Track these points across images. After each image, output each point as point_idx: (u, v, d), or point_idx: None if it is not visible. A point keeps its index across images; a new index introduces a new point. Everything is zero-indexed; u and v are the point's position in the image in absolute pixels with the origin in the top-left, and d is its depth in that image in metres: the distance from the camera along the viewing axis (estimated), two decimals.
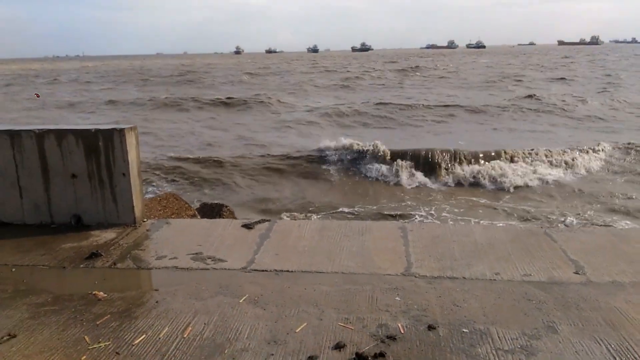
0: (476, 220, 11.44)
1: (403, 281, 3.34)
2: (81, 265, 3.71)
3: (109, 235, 4.28)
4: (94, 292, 3.25)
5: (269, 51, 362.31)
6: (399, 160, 15.61)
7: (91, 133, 4.30)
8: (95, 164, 4.35)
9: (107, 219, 4.47)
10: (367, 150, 16.71)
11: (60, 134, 4.33)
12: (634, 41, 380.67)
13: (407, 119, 25.34)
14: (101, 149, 4.31)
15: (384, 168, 15.53)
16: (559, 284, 3.28)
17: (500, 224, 9.55)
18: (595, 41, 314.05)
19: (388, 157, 16.06)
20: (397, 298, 3.10)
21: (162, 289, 3.31)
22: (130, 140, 4.35)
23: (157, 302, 3.12)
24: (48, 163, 4.38)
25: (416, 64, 76.60)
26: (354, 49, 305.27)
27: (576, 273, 3.42)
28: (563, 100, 29.26)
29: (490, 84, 42.61)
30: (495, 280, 3.35)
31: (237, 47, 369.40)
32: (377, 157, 16.25)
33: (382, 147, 16.58)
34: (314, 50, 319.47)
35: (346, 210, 12.44)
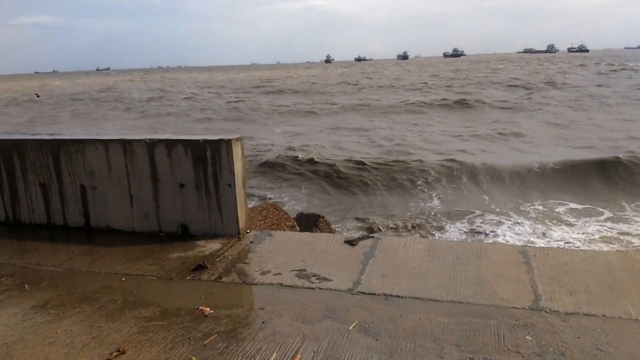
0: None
1: (532, 316, 2.96)
2: (187, 278, 3.68)
3: (214, 246, 4.25)
4: (200, 308, 3.18)
5: (358, 59, 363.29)
6: None
7: (199, 143, 4.30)
8: (202, 174, 4.34)
9: (212, 230, 4.45)
10: None
11: (170, 144, 4.37)
12: None
13: None
14: (209, 159, 4.30)
15: None
16: None
17: None
18: None
19: None
20: (527, 337, 2.73)
21: (267, 307, 3.17)
22: (237, 151, 4.29)
23: (263, 322, 2.98)
24: (157, 172, 4.44)
25: None
26: (445, 55, 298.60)
27: None
28: None
29: None
30: None
31: (328, 56, 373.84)
32: None
33: None
34: (404, 57, 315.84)
35: None
